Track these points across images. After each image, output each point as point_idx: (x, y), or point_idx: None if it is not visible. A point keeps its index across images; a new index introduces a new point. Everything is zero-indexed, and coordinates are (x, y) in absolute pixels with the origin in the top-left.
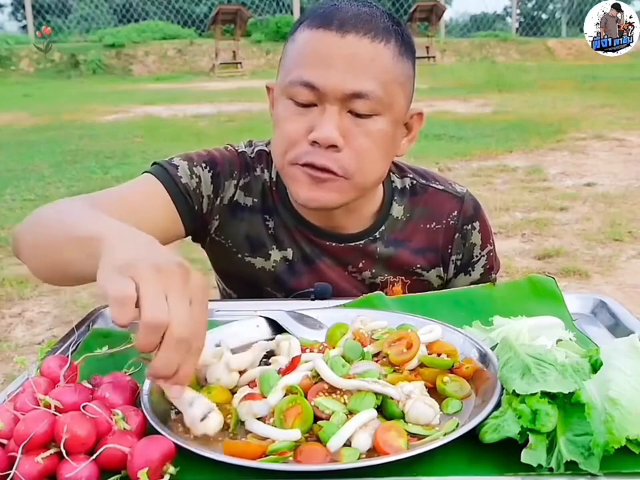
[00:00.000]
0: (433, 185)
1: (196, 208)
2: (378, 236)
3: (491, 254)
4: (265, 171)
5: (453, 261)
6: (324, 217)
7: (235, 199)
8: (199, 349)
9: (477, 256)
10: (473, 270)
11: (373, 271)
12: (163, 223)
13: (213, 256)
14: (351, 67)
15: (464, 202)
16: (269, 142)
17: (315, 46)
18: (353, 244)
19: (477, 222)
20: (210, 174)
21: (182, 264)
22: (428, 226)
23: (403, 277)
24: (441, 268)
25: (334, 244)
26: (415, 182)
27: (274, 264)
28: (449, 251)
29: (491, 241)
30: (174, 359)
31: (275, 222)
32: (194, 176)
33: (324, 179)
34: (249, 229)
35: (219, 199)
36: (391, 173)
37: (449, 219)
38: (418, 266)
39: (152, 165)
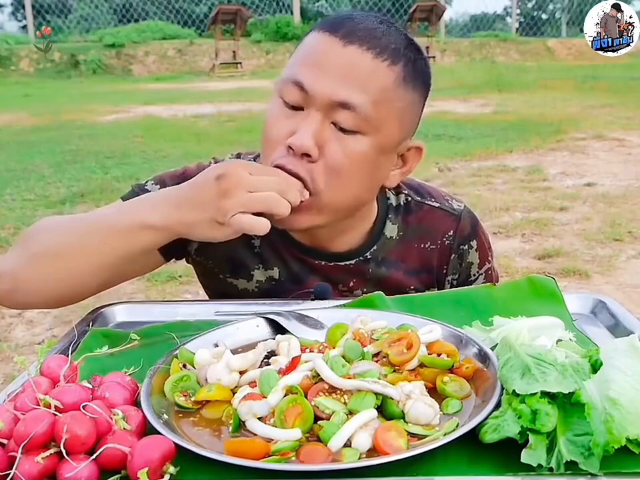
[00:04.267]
0: (429, 202)
1: None
2: (369, 256)
3: (490, 272)
4: None
5: (448, 281)
6: (312, 235)
7: None
8: None
9: (474, 275)
10: None
11: (365, 290)
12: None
13: (197, 273)
14: (344, 76)
15: (460, 220)
16: (259, 155)
17: (315, 48)
18: (342, 264)
19: (475, 240)
20: None
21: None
22: (422, 245)
23: None
24: (436, 289)
25: (323, 263)
26: (409, 199)
27: (257, 284)
28: (444, 271)
29: (489, 258)
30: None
31: (260, 240)
32: None
33: None
34: (230, 249)
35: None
36: (387, 190)
37: (445, 239)
38: (412, 287)
39: (130, 189)
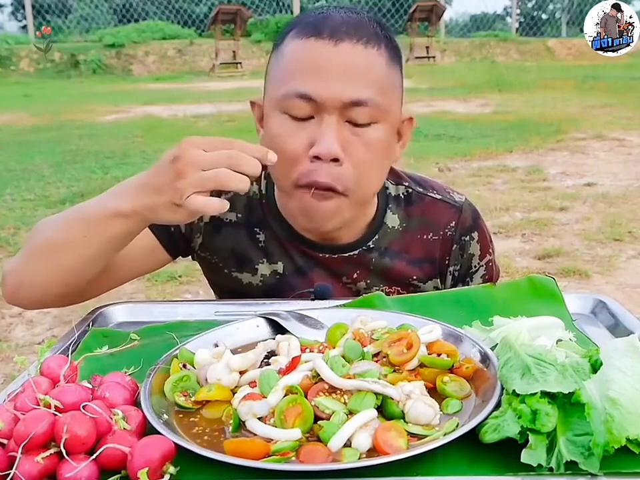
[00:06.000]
0: (431, 194)
1: (172, 229)
2: (372, 246)
3: (490, 264)
4: (254, 183)
5: (450, 272)
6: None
7: (216, 215)
8: None
9: (475, 266)
10: (471, 280)
11: (368, 281)
12: (141, 250)
13: (203, 269)
14: (347, 75)
15: (462, 212)
16: None
17: (308, 56)
18: (346, 254)
19: (476, 232)
20: None
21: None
22: (425, 237)
23: (398, 288)
24: (438, 279)
25: (327, 255)
26: (410, 190)
27: (261, 278)
28: (447, 262)
29: (490, 250)
30: None
31: (265, 235)
32: None
33: (327, 197)
34: (234, 244)
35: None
36: (385, 180)
37: (447, 230)
38: (414, 277)
39: None
